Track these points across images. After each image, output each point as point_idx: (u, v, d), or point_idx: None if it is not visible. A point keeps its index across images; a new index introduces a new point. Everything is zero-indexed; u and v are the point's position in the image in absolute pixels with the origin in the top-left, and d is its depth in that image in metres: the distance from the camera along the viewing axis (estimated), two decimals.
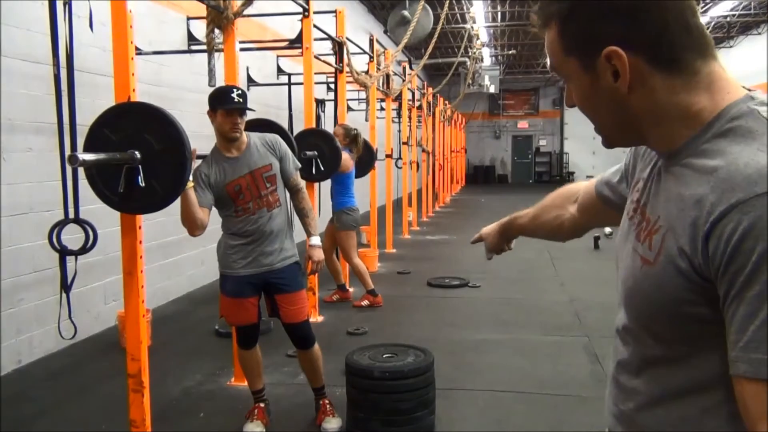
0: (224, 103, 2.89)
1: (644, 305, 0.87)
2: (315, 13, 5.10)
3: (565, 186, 1.41)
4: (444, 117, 16.13)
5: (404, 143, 10.81)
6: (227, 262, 3.06)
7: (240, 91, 2.94)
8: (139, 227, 2.71)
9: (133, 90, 2.60)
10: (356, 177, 6.99)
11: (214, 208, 3.00)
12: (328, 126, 7.02)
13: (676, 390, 0.86)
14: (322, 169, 5.15)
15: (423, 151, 13.17)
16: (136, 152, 2.46)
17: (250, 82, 7.18)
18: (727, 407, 0.80)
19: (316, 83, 5.63)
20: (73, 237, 2.88)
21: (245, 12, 3.65)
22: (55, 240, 2.81)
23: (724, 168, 0.77)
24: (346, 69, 6.04)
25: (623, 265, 0.95)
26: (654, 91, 0.84)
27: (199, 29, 5.54)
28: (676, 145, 0.86)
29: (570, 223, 1.35)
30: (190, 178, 2.67)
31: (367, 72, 7.24)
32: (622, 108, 0.86)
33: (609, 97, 0.85)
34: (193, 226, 2.84)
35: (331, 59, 5.99)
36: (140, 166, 2.46)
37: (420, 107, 12.40)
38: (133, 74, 2.60)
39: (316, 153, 5.05)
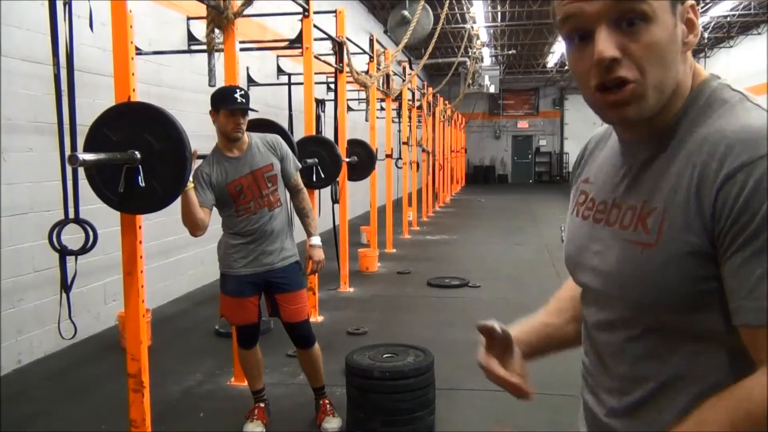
0: (227, 103, 2.90)
1: (649, 288, 0.86)
2: (315, 13, 5.10)
3: (557, 296, 1.19)
4: (444, 117, 16.12)
5: (404, 143, 10.81)
6: (228, 261, 3.07)
7: (243, 92, 2.94)
8: (139, 227, 2.71)
9: (133, 90, 2.60)
10: (356, 180, 7.00)
11: (214, 208, 3.00)
12: (328, 126, 7.02)
13: (688, 365, 0.86)
14: (323, 176, 5.15)
15: (423, 151, 13.17)
16: (136, 152, 2.46)
17: (250, 82, 7.18)
18: (735, 370, 0.82)
19: (316, 83, 5.63)
20: (73, 237, 2.88)
21: (245, 12, 3.65)
22: (55, 240, 2.81)
23: (716, 135, 0.81)
24: (346, 69, 6.04)
25: (601, 259, 0.94)
26: (685, 61, 0.88)
27: (199, 29, 5.54)
28: (662, 125, 0.88)
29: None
30: (191, 178, 2.67)
31: (367, 72, 7.23)
32: (677, 65, 0.86)
33: (676, 47, 0.85)
34: (193, 226, 2.85)
35: (331, 59, 5.99)
36: (140, 166, 2.46)
37: (420, 107, 12.40)
38: (133, 74, 2.60)
39: (316, 160, 5.05)
